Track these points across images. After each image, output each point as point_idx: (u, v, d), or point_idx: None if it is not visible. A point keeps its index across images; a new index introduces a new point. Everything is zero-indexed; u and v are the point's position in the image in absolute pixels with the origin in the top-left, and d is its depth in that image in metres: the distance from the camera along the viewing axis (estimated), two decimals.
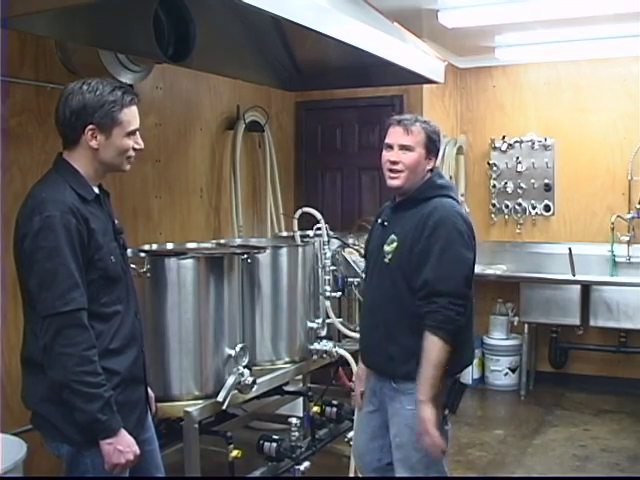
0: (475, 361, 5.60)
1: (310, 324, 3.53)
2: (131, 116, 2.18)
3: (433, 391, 2.49)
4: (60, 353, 2.02)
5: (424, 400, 2.49)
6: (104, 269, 2.14)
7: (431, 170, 2.72)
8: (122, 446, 2.09)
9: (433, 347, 2.48)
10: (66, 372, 2.02)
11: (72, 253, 2.04)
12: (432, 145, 2.69)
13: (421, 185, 2.69)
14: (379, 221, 2.83)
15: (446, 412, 2.64)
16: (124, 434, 2.11)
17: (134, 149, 2.21)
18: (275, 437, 3.28)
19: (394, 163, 2.66)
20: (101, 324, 2.13)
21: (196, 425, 2.82)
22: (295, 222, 3.74)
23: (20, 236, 2.09)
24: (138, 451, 2.14)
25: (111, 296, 2.17)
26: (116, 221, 2.31)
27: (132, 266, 2.45)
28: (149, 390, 2.44)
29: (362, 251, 3.77)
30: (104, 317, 2.15)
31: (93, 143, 2.13)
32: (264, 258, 3.33)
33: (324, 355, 3.53)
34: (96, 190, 2.22)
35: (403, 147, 2.66)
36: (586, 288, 5.38)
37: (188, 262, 2.86)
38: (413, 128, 2.67)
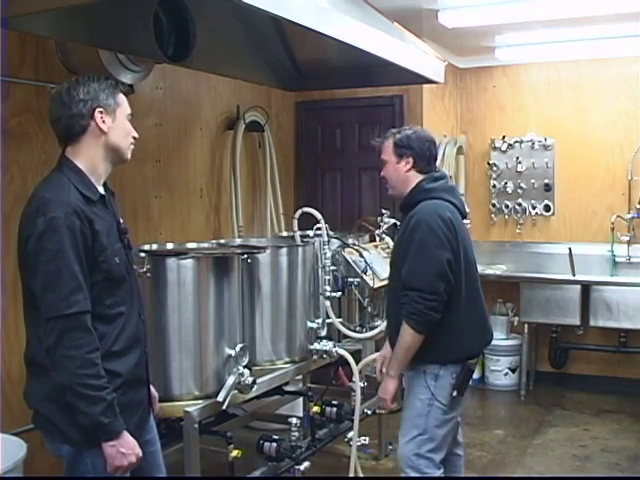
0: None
1: (310, 324, 3.52)
2: (125, 100, 2.27)
3: (400, 368, 2.86)
4: (63, 356, 2.02)
5: (392, 375, 2.87)
6: (108, 271, 2.14)
7: (416, 170, 2.92)
8: (124, 448, 2.09)
9: (404, 333, 2.79)
10: (69, 375, 2.02)
11: (76, 255, 2.04)
12: (400, 149, 2.92)
13: (411, 190, 2.92)
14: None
15: (454, 394, 2.84)
16: (126, 436, 2.11)
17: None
18: (275, 437, 3.28)
19: (383, 177, 3.03)
20: (105, 326, 2.13)
21: (196, 425, 2.82)
22: (295, 222, 3.73)
23: (24, 237, 2.09)
24: (140, 453, 2.15)
25: (115, 297, 2.17)
26: (121, 221, 2.31)
27: (134, 267, 2.44)
28: (153, 390, 2.45)
29: (362, 251, 3.81)
30: (108, 319, 2.15)
31: (103, 126, 2.17)
32: (264, 258, 3.32)
33: (324, 355, 3.53)
34: (101, 190, 2.22)
35: (383, 163, 3.00)
36: (586, 288, 5.37)
37: (188, 262, 2.85)
38: (384, 144, 2.98)
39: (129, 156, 2.29)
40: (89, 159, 2.18)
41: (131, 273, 2.29)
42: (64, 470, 2.20)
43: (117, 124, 2.21)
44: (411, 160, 2.91)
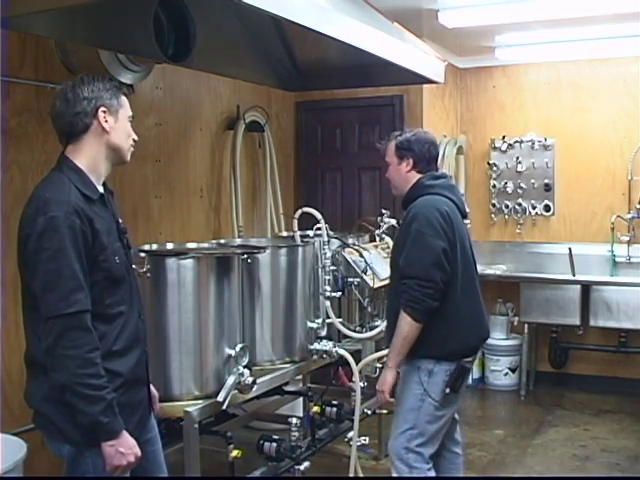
0: (475, 361, 5.59)
1: (310, 324, 3.52)
2: (127, 102, 2.29)
3: (398, 359, 2.89)
4: (63, 355, 2.01)
5: (390, 366, 2.92)
6: (108, 270, 2.14)
7: (416, 170, 3.01)
8: (124, 448, 2.09)
9: (402, 321, 2.84)
10: (68, 374, 2.02)
11: (76, 254, 2.04)
12: (401, 151, 3.04)
13: (411, 187, 3.02)
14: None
15: (447, 391, 2.87)
16: (126, 436, 2.11)
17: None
18: (275, 437, 3.28)
19: (387, 178, 3.16)
20: (105, 325, 2.13)
21: (196, 425, 2.81)
22: (295, 222, 3.73)
23: (24, 236, 2.08)
24: (139, 453, 2.14)
25: (115, 297, 2.17)
26: (120, 221, 2.31)
27: (132, 266, 2.44)
28: (153, 390, 2.45)
29: (362, 251, 3.81)
30: (108, 318, 2.15)
31: (106, 125, 2.18)
32: (264, 258, 3.32)
33: (324, 355, 3.53)
34: (100, 189, 2.22)
35: (386, 165, 3.12)
36: (586, 288, 5.37)
37: (188, 262, 2.85)
38: (387, 147, 3.10)
39: (128, 158, 2.30)
40: (90, 158, 2.19)
41: (130, 273, 2.30)
42: (64, 470, 2.19)
43: (119, 125, 2.22)
44: (411, 161, 3.02)
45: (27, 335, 2.18)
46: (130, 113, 2.28)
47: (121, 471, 2.12)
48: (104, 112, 2.18)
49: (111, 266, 2.15)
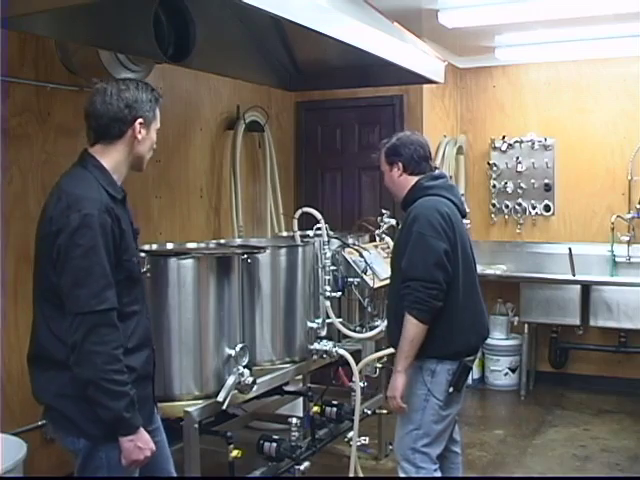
0: (475, 361, 5.59)
1: (310, 324, 3.52)
2: (159, 115, 2.30)
3: (407, 362, 2.85)
4: (90, 351, 2.03)
5: (399, 370, 2.87)
6: (130, 270, 2.17)
7: (407, 173, 3.02)
8: (142, 443, 2.12)
9: (407, 324, 2.80)
10: (95, 370, 2.03)
11: (106, 252, 2.07)
12: (390, 157, 3.06)
13: (410, 189, 3.02)
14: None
15: (450, 390, 2.87)
16: (143, 431, 2.14)
17: None
18: (275, 437, 3.28)
19: (385, 187, 3.19)
20: (120, 323, 2.14)
21: (196, 425, 2.82)
22: (295, 222, 3.73)
23: (53, 231, 2.08)
24: (154, 448, 2.17)
25: (131, 296, 2.20)
26: (132, 222, 2.32)
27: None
28: None
29: (362, 251, 3.81)
30: (124, 316, 2.16)
31: (139, 135, 2.19)
32: (264, 258, 3.32)
33: (324, 355, 3.53)
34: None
35: (382, 174, 3.16)
36: (586, 288, 5.37)
37: (188, 262, 2.85)
38: (380, 156, 3.12)
39: (145, 167, 2.32)
40: (115, 161, 2.21)
41: (141, 273, 2.33)
42: (76, 465, 2.19)
43: (149, 136, 2.25)
44: (400, 165, 3.04)
45: (37, 328, 2.18)
46: (159, 125, 2.29)
47: (137, 465, 2.15)
48: (141, 124, 2.19)
49: (132, 266, 2.19)
